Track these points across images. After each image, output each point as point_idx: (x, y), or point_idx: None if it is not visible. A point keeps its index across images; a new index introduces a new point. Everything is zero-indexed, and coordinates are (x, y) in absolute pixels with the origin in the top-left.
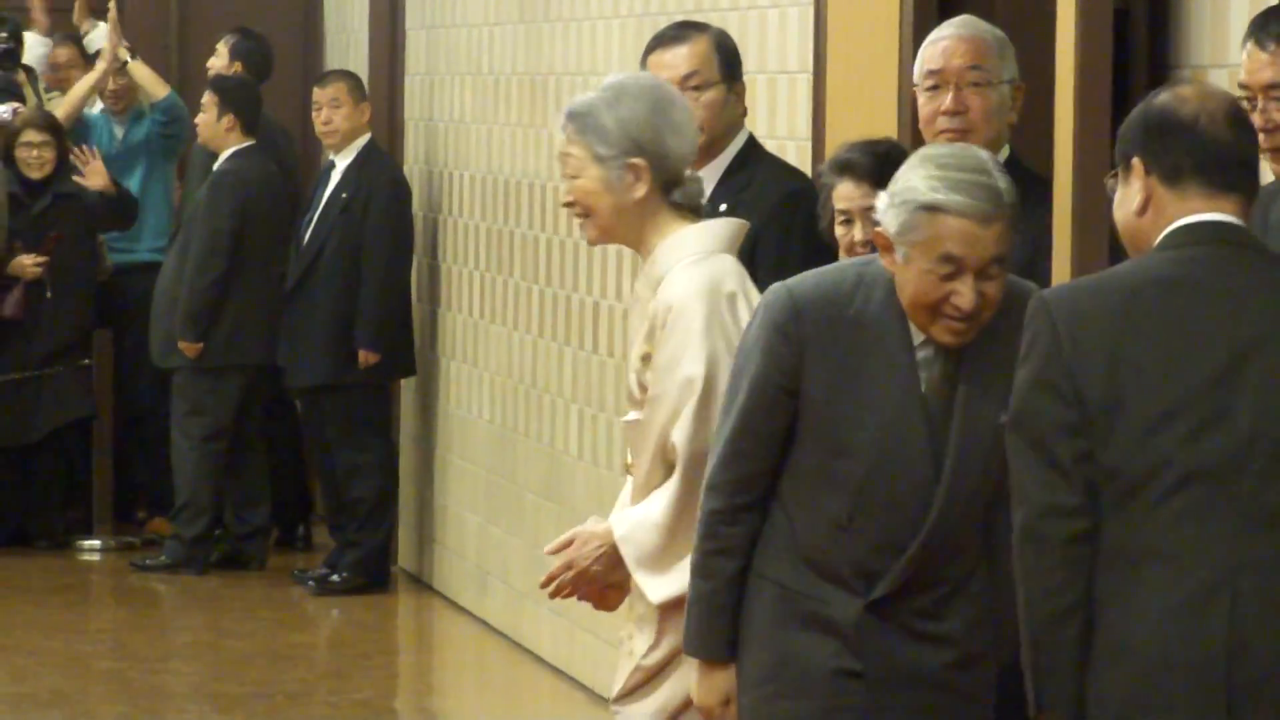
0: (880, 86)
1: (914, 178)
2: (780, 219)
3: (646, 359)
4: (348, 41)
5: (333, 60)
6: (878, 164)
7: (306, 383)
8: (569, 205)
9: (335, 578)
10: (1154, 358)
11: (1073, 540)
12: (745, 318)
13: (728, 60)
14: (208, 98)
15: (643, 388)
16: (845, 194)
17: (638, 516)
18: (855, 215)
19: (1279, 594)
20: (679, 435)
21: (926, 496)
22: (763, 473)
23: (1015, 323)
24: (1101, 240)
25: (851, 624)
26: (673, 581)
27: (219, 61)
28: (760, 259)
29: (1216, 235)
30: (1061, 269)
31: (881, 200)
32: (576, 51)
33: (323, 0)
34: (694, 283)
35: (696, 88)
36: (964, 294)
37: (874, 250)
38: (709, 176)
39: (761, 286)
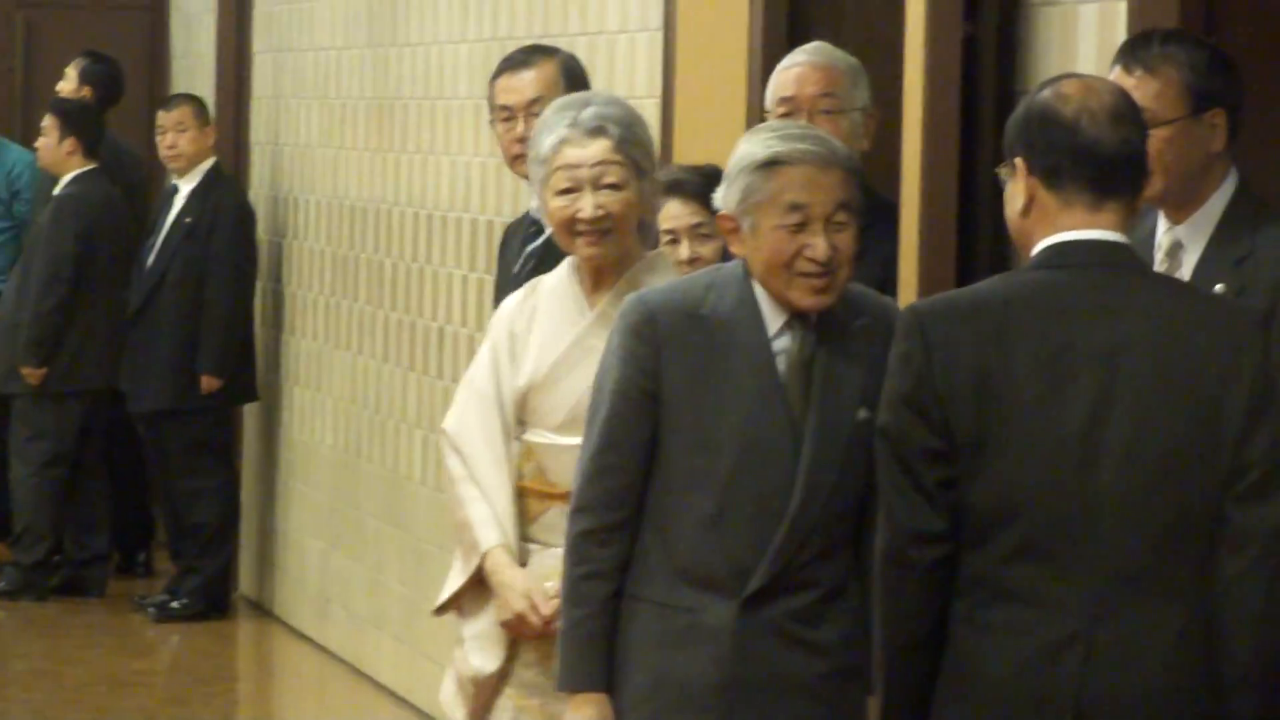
0: (729, 112)
1: (749, 146)
2: None
3: None
4: (194, 65)
5: (179, 84)
6: (705, 183)
7: (149, 407)
8: (600, 220)
9: (176, 604)
10: (1022, 394)
11: (935, 566)
12: None
13: (574, 86)
14: (48, 121)
15: None
16: (673, 213)
17: None
18: (682, 234)
19: (1133, 646)
20: None
21: (791, 485)
22: (630, 485)
23: (868, 323)
24: (948, 266)
25: (727, 627)
26: None
27: (68, 85)
28: None
29: (1094, 256)
30: (908, 295)
31: (719, 189)
32: (425, 75)
33: (169, 23)
34: None
35: (540, 114)
36: (816, 244)
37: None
38: None
39: None
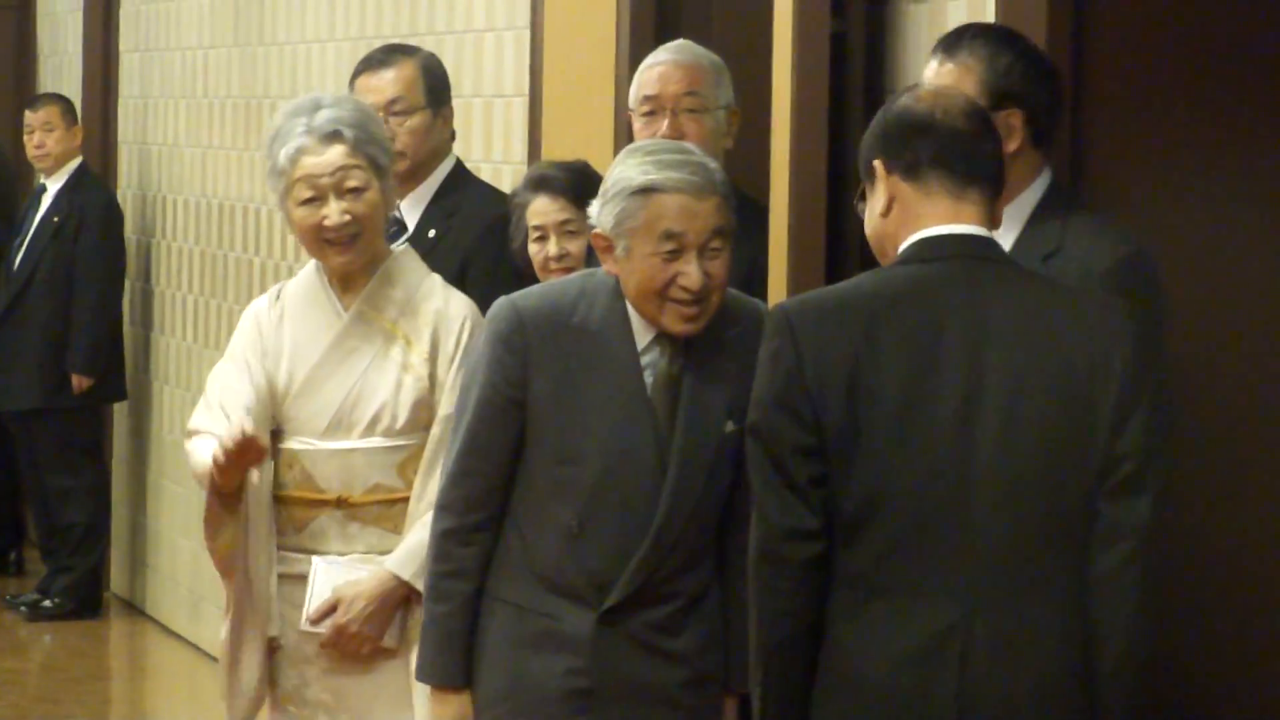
0: (596, 110)
1: (625, 169)
2: (490, 244)
3: (421, 379)
4: (61, 64)
5: (46, 83)
6: (574, 180)
7: (18, 406)
8: (346, 225)
9: (47, 603)
10: (893, 388)
11: (809, 563)
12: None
13: (434, 85)
14: None
15: (426, 408)
16: (540, 209)
17: (424, 549)
18: (550, 230)
19: (1009, 638)
20: None
21: (655, 500)
22: (492, 489)
23: (740, 333)
24: (817, 265)
25: (585, 637)
26: None
27: None
28: (471, 283)
29: (960, 249)
30: (777, 293)
31: (594, 205)
32: (291, 74)
33: (35, 22)
34: (464, 298)
35: (400, 113)
36: (689, 273)
37: (569, 269)
38: (415, 202)
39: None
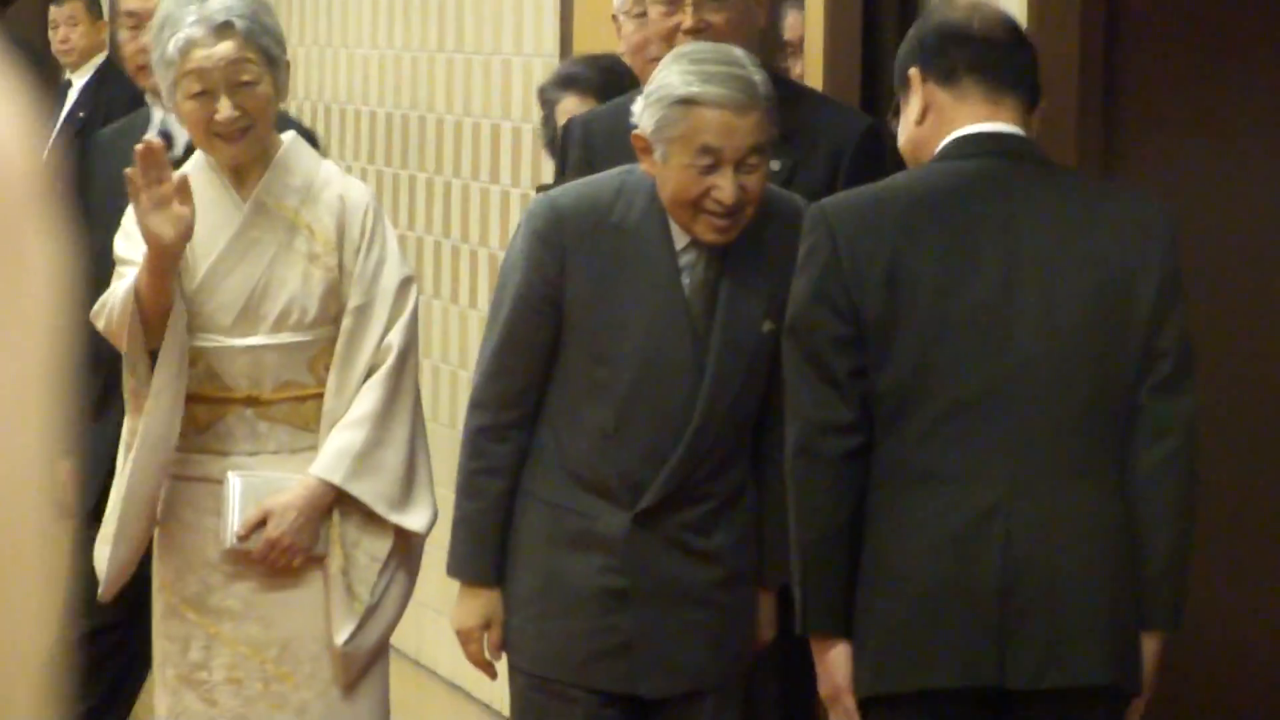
0: None
1: (669, 75)
2: None
3: (330, 269)
4: None
5: None
6: (602, 78)
7: None
8: (237, 120)
9: None
10: (931, 275)
11: (846, 457)
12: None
13: None
14: None
15: (334, 299)
16: (568, 109)
17: (353, 451)
18: None
19: (1051, 519)
20: (399, 337)
21: (691, 402)
22: (528, 388)
23: (779, 230)
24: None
25: (619, 537)
26: (426, 501)
27: None
28: None
29: (996, 146)
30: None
31: (638, 103)
32: None
33: None
34: (363, 185)
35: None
36: (724, 187)
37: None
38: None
39: None
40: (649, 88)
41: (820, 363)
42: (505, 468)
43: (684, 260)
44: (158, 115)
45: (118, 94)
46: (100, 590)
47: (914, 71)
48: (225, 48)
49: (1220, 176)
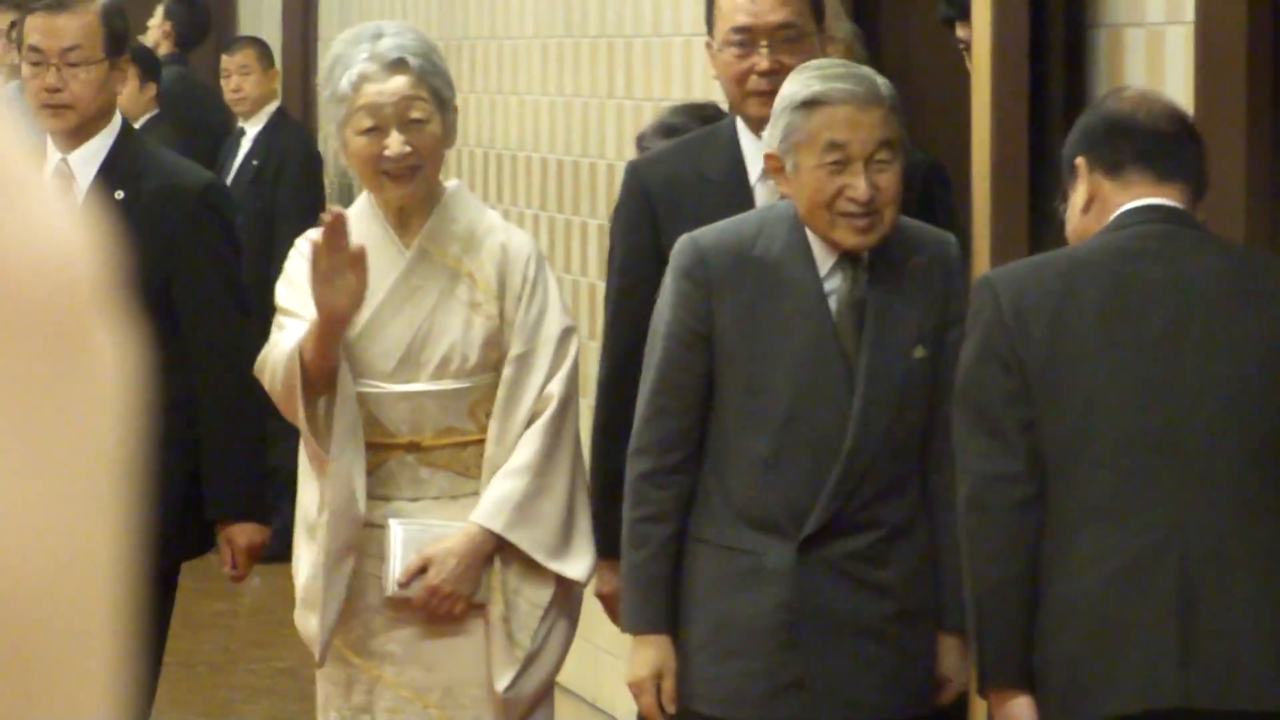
0: None
1: (789, 87)
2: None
3: (490, 317)
4: (260, 7)
5: (244, 27)
6: (702, 126)
7: None
8: (407, 156)
9: None
10: (1095, 322)
11: (1016, 507)
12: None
13: (114, 37)
14: (131, 68)
15: (495, 347)
16: None
17: (514, 499)
18: None
19: (1226, 552)
20: (560, 387)
21: (845, 427)
22: (687, 429)
23: (926, 260)
24: (1020, 240)
25: (788, 569)
26: (587, 548)
27: (154, 22)
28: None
29: (1159, 215)
30: (980, 265)
31: (767, 130)
32: (490, 14)
33: None
34: (525, 234)
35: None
36: (856, 184)
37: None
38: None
39: None
40: (774, 106)
41: (988, 417)
42: (669, 512)
43: (829, 285)
44: None
45: (291, 142)
46: (317, 659)
47: (1080, 161)
48: (398, 83)
49: None
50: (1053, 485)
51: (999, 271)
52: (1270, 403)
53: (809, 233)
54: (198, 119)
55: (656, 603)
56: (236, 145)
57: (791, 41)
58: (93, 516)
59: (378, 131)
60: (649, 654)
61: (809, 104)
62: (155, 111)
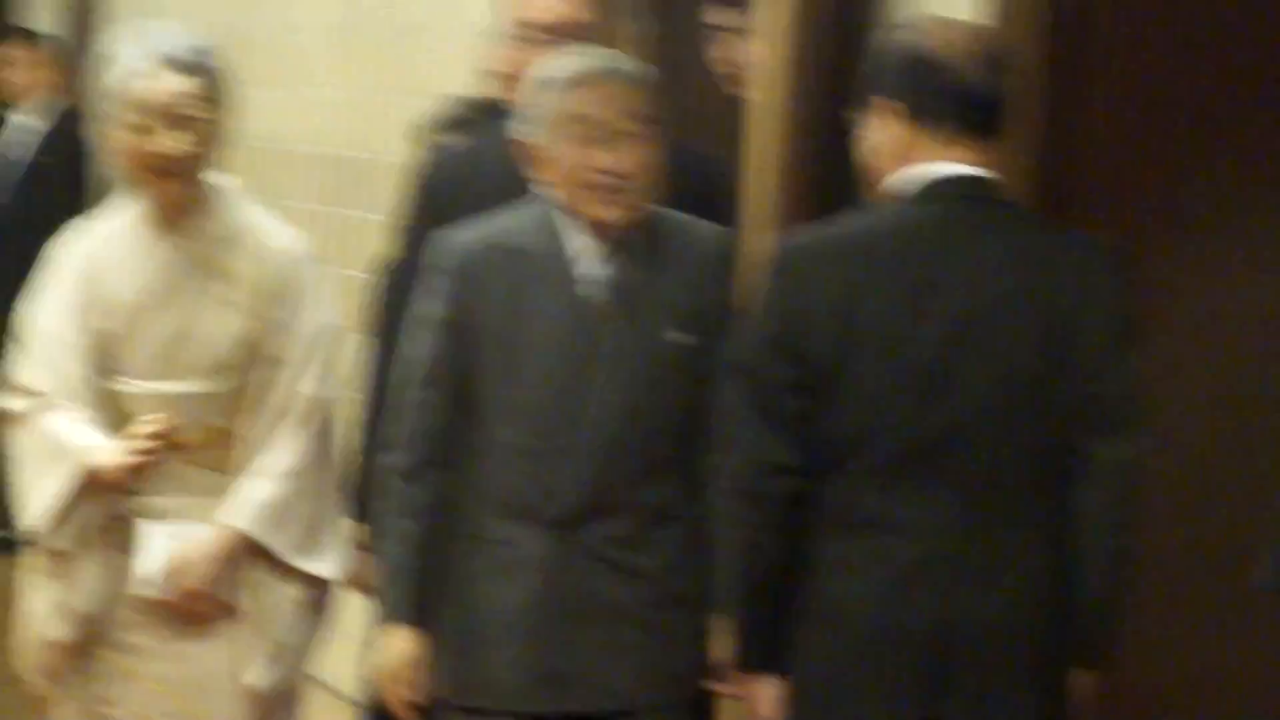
0: None
1: (537, 73)
2: None
3: (250, 316)
4: None
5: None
6: (483, 117)
7: None
8: (185, 158)
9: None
10: (883, 323)
11: (789, 499)
12: None
13: None
14: None
15: (254, 347)
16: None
17: (264, 500)
18: None
19: (994, 570)
20: (311, 386)
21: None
22: (437, 422)
23: (684, 246)
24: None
25: (541, 555)
26: (336, 546)
27: None
28: None
29: (957, 190)
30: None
31: (519, 122)
32: (277, 9)
33: None
34: (290, 231)
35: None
36: (604, 156)
37: None
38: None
39: None
40: (524, 96)
41: (767, 404)
42: (420, 508)
43: (582, 270)
44: None
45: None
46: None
47: (881, 101)
48: (170, 81)
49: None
50: (826, 483)
51: (795, 248)
52: (1042, 408)
53: (562, 221)
54: None
55: (400, 594)
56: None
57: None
58: None
59: (147, 129)
60: (396, 645)
61: (555, 83)
62: None
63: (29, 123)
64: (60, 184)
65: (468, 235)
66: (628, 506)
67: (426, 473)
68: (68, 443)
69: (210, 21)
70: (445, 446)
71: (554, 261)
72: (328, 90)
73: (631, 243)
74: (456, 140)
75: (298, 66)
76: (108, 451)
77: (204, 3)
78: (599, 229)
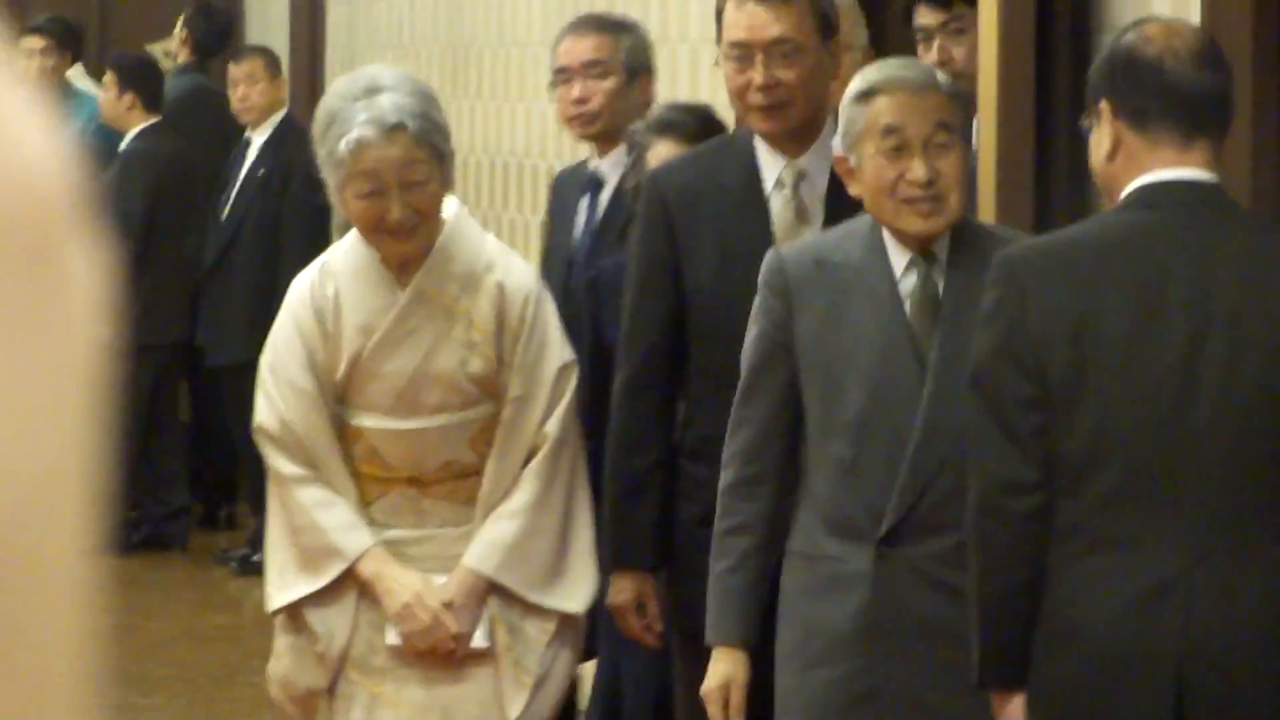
0: None
1: (850, 87)
2: None
3: (488, 359)
4: (268, 18)
5: (252, 36)
6: (698, 125)
7: (228, 360)
8: (408, 219)
9: (257, 557)
10: (1116, 337)
11: (1028, 516)
12: None
13: (634, 55)
14: (108, 76)
15: (492, 383)
16: (663, 153)
17: (504, 542)
18: None
19: (1234, 591)
20: (556, 425)
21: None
22: (767, 439)
23: (986, 256)
24: (1026, 208)
25: (867, 573)
26: (583, 581)
27: (177, 33)
28: None
29: (1184, 195)
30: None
31: (836, 136)
32: (498, 23)
33: None
34: (525, 266)
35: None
36: (914, 166)
37: None
38: (613, 164)
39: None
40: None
41: (1005, 420)
42: (753, 524)
43: (905, 284)
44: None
45: (297, 151)
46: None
47: (1105, 106)
48: (398, 148)
49: None
50: (1063, 499)
51: (1021, 257)
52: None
53: (885, 234)
54: (212, 128)
55: (733, 615)
56: (243, 155)
57: (788, 56)
58: (65, 434)
59: (378, 195)
60: (721, 666)
61: (864, 95)
62: (154, 120)
63: (265, 143)
64: (296, 208)
65: (793, 249)
66: (948, 524)
67: (756, 489)
68: (340, 542)
69: (429, 36)
70: (774, 463)
71: (876, 275)
72: (546, 103)
73: (955, 256)
74: (671, 145)
75: (516, 79)
76: (409, 594)
77: (422, 18)
78: (915, 240)
